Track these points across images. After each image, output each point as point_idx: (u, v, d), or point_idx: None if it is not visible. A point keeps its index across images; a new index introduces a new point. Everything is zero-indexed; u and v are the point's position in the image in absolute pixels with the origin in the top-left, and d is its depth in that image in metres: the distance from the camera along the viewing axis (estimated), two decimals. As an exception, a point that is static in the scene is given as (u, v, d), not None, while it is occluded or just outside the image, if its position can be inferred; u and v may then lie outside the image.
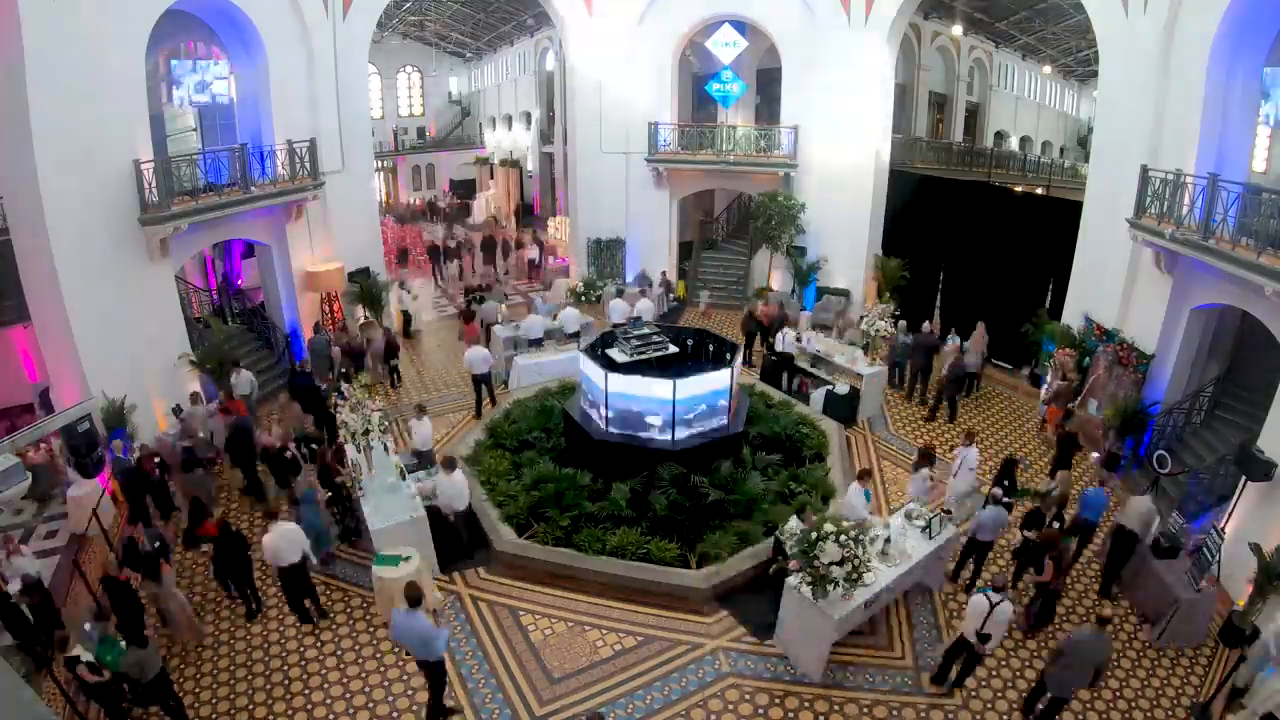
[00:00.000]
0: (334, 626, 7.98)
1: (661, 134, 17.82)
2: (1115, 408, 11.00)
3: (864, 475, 8.72)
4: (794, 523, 7.77)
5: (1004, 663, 7.48)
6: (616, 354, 10.27)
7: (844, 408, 12.24)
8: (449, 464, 8.80)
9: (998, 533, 8.32)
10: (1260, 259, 8.22)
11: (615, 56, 17.80)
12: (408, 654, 7.11)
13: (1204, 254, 9.06)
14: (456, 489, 8.68)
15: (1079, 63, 26.45)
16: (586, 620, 7.92)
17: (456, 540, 8.77)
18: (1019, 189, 17.78)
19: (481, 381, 12.55)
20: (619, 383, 9.56)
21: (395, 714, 6.85)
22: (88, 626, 6.83)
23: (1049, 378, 12.73)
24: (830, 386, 12.52)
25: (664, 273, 18.68)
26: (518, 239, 24.36)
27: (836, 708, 6.90)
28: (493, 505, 9.46)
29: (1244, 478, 8.17)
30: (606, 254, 19.06)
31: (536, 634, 7.74)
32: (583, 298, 15.50)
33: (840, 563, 6.73)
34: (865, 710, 6.87)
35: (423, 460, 10.08)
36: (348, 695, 7.09)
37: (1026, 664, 7.45)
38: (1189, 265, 9.99)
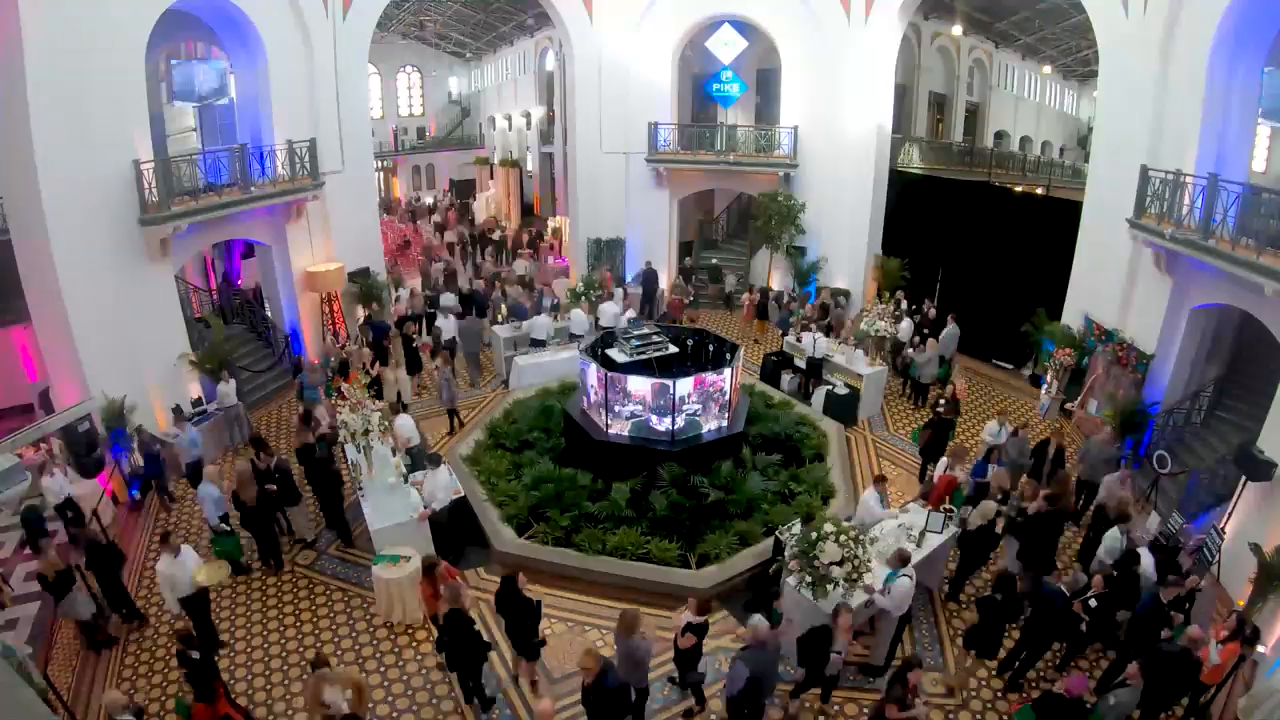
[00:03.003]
0: (334, 626, 7.99)
1: (662, 134, 17.82)
2: (1115, 408, 11.00)
3: (880, 480, 8.68)
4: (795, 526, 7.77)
5: (1004, 663, 7.49)
6: (616, 354, 10.27)
7: (844, 408, 12.24)
8: (434, 460, 8.90)
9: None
10: (1260, 259, 8.22)
11: (615, 56, 17.79)
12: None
13: (1204, 254, 9.06)
14: (437, 484, 8.68)
15: (1079, 63, 26.42)
16: (586, 620, 7.93)
17: (441, 537, 8.72)
18: (1019, 189, 17.77)
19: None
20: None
21: (395, 714, 6.86)
22: None
23: (1049, 378, 12.75)
24: (830, 386, 12.52)
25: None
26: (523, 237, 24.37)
27: (836, 707, 6.91)
28: (493, 505, 9.46)
29: (1244, 478, 8.17)
30: (606, 254, 19.05)
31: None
32: (582, 298, 15.49)
33: (840, 563, 6.74)
34: (865, 710, 6.87)
35: (415, 457, 10.00)
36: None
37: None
38: (1189, 265, 9.99)
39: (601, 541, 8.67)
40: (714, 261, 20.50)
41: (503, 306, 15.25)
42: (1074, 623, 6.87)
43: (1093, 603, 6.87)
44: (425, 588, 7.13)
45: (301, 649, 7.65)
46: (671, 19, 17.45)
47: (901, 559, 7.00)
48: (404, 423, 10.35)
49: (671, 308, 17.42)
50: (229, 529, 8.76)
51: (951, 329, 13.68)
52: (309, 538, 9.37)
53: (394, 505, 8.56)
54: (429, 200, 34.81)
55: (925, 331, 14.08)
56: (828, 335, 13.79)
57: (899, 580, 6.86)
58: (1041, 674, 7.34)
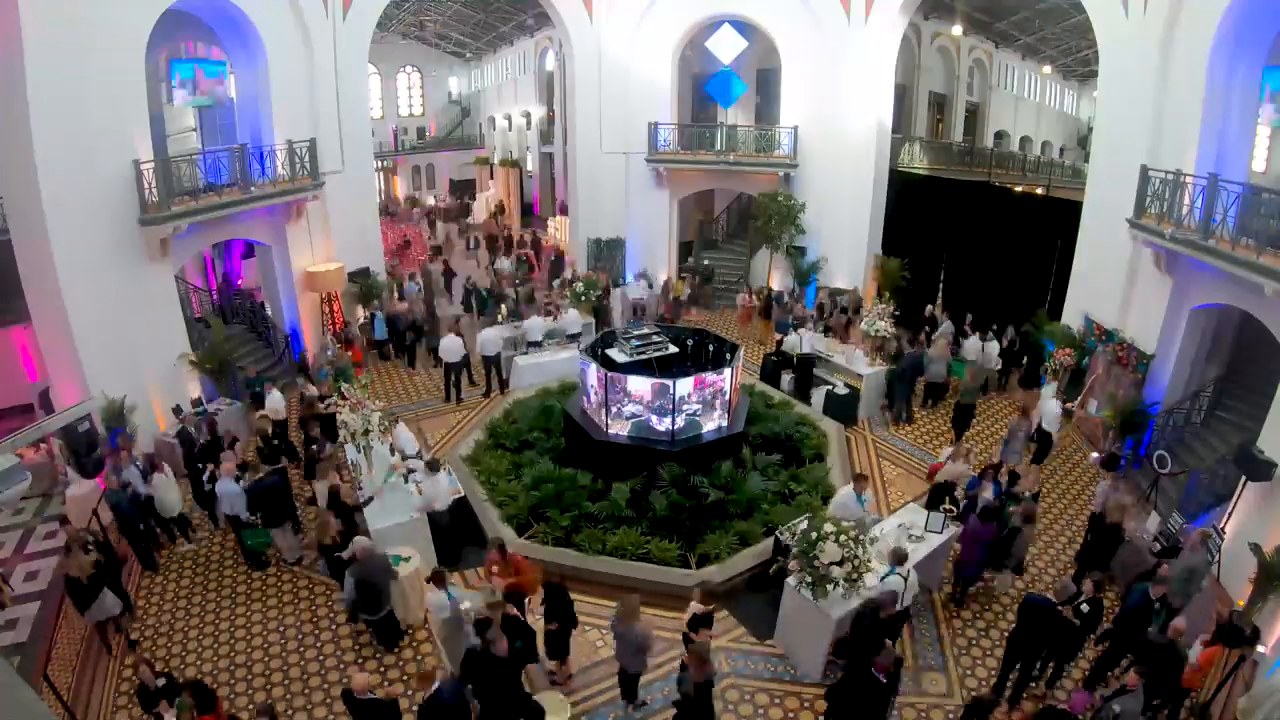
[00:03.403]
0: (334, 627, 7.98)
1: (661, 134, 17.82)
2: (1115, 408, 11.00)
3: (860, 479, 8.55)
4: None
5: (1004, 663, 7.48)
6: (616, 354, 10.27)
7: (844, 408, 12.24)
8: (432, 466, 8.89)
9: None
10: (1260, 259, 8.23)
11: (615, 56, 17.80)
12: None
13: (1204, 254, 9.06)
14: (436, 489, 8.68)
15: (1079, 63, 26.43)
16: (586, 620, 7.91)
17: (441, 538, 8.72)
18: (1019, 189, 17.78)
19: (491, 363, 13.46)
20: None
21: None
22: None
23: (1048, 378, 12.74)
24: (830, 386, 12.52)
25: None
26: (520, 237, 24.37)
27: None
28: (493, 505, 9.46)
29: (1244, 478, 8.17)
30: (606, 254, 19.06)
31: (536, 634, 7.72)
32: (582, 298, 15.50)
33: (840, 563, 6.74)
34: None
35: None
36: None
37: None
38: (1189, 265, 9.99)
39: (601, 541, 8.67)
40: (705, 263, 20.53)
41: (503, 307, 15.25)
42: (1065, 630, 6.73)
43: (1084, 607, 6.82)
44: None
45: (301, 649, 7.67)
46: (671, 19, 17.45)
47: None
48: (402, 434, 10.14)
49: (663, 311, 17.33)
50: (256, 519, 8.72)
51: (946, 325, 13.73)
52: (290, 560, 9.09)
53: (394, 505, 8.55)
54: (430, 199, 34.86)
55: (927, 330, 14.14)
56: (826, 335, 13.81)
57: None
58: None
